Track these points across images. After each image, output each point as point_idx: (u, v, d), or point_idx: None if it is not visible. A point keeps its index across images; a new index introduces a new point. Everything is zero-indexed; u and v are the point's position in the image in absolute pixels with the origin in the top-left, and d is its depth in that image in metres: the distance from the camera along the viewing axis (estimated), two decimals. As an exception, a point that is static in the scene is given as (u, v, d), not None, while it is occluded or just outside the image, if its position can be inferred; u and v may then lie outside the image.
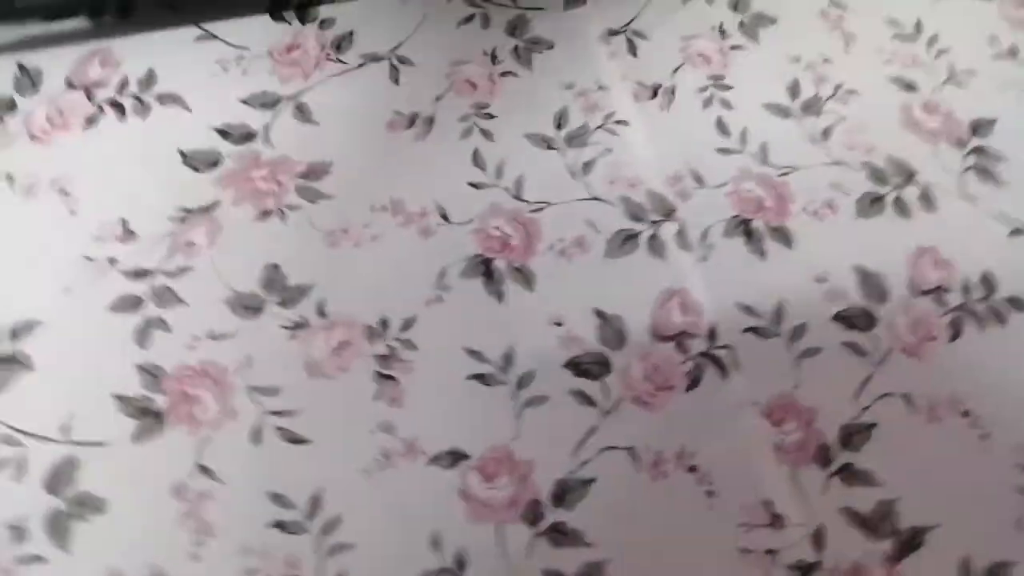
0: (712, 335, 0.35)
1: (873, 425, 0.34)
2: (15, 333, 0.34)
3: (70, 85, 0.39)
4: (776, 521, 0.32)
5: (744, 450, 0.33)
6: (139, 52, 0.40)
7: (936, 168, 0.38)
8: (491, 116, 0.39)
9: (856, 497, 0.32)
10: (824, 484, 0.33)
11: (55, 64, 0.39)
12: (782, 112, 0.40)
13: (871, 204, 0.38)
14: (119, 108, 0.38)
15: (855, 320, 0.35)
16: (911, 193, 0.38)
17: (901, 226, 0.37)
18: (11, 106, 0.38)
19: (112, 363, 0.33)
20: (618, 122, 0.39)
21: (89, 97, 0.39)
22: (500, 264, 0.36)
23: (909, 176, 0.38)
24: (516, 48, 0.41)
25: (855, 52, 0.41)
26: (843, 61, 0.41)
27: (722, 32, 0.42)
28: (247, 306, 0.34)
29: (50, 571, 0.30)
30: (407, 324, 0.34)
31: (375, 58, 0.40)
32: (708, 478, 0.33)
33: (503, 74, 0.40)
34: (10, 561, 0.30)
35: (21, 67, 0.39)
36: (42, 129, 0.38)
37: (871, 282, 0.36)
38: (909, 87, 0.40)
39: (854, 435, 0.33)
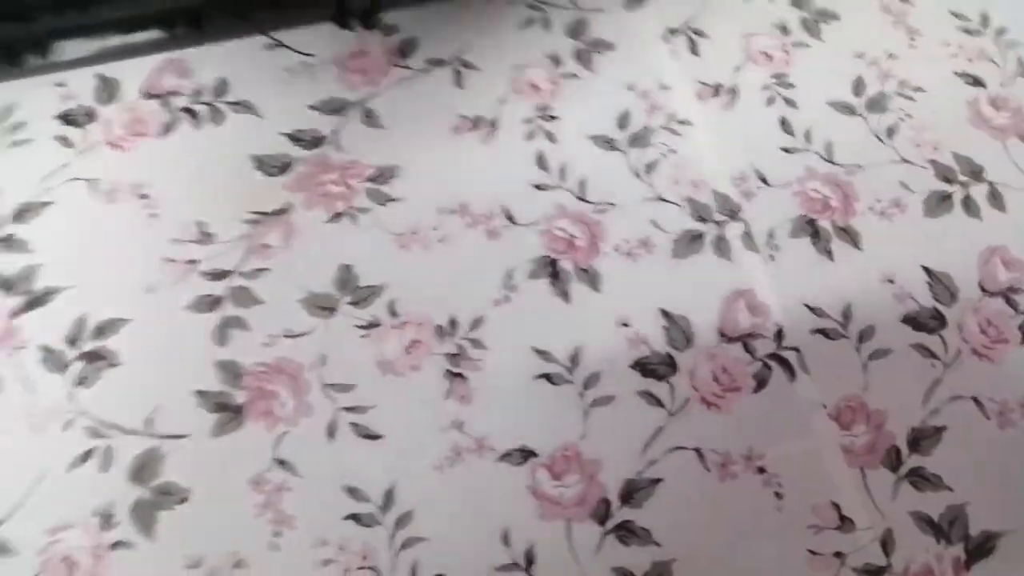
0: (779, 336, 0.35)
1: (943, 428, 0.34)
2: (102, 330, 0.35)
3: (146, 94, 0.40)
4: (845, 524, 0.32)
5: (813, 452, 0.33)
6: (211, 61, 0.41)
7: (1006, 165, 0.38)
8: (554, 118, 0.39)
9: (926, 501, 0.32)
10: (893, 487, 0.33)
11: (132, 74, 0.41)
12: (847, 109, 0.40)
13: (939, 203, 0.37)
14: (193, 115, 0.40)
15: (924, 322, 0.35)
16: (979, 191, 0.38)
17: (970, 225, 0.37)
18: (92, 115, 0.40)
19: (193, 360, 0.34)
20: (681, 122, 0.39)
21: (165, 106, 0.40)
22: (566, 265, 0.36)
23: (977, 174, 0.38)
24: (577, 50, 0.41)
25: (920, 47, 0.41)
26: (908, 56, 0.41)
27: (784, 29, 0.42)
28: (321, 306, 0.35)
29: (136, 556, 0.32)
30: (476, 323, 0.35)
31: (439, 63, 0.41)
32: (776, 479, 0.33)
33: (565, 76, 0.41)
34: (99, 547, 0.32)
35: (100, 78, 0.41)
36: (121, 137, 0.39)
37: (940, 283, 0.36)
38: (976, 82, 0.40)
39: (924, 438, 0.33)
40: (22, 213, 0.38)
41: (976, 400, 0.34)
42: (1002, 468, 0.33)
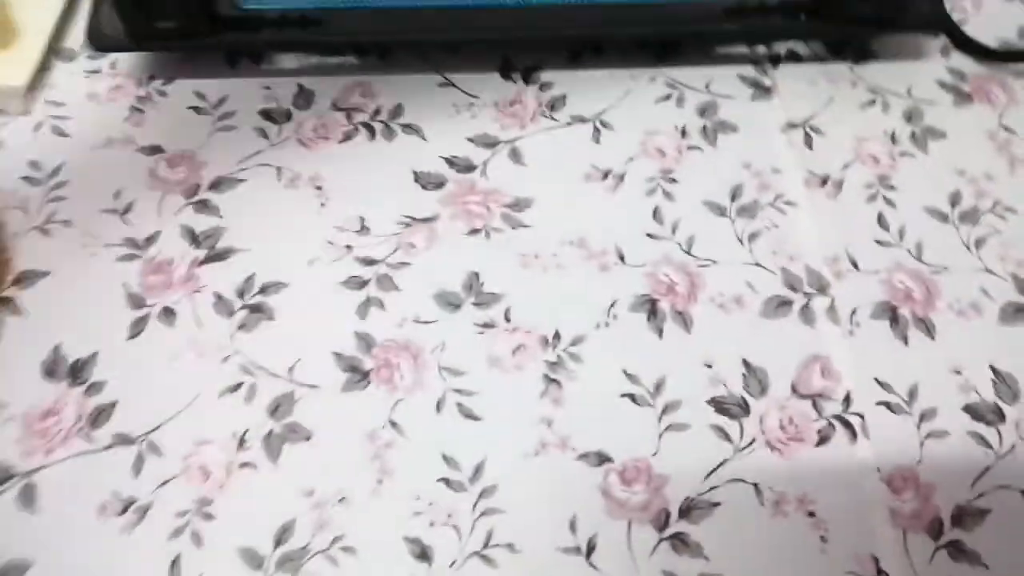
0: (847, 401, 0.39)
1: (987, 511, 0.37)
2: (265, 289, 0.42)
3: (335, 107, 0.48)
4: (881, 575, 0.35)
5: (861, 508, 0.37)
6: (392, 89, 0.49)
7: (1085, 290, 0.41)
8: (674, 181, 0.45)
9: (961, 571, 0.35)
10: (931, 554, 0.36)
11: (326, 88, 0.49)
12: (941, 217, 0.44)
13: (1015, 313, 0.41)
14: (370, 130, 0.47)
15: (984, 414, 0.39)
16: (1056, 309, 0.41)
17: (1046, 339, 0.40)
18: (288, 116, 0.48)
19: (336, 327, 0.41)
20: (787, 203, 0.44)
21: (348, 118, 0.48)
22: (664, 305, 0.41)
23: (1057, 293, 0.41)
24: (704, 127, 0.47)
25: (1019, 174, 0.45)
26: (1006, 181, 0.45)
27: (893, 139, 0.46)
28: (449, 302, 0.41)
29: (259, 477, 0.37)
30: (576, 340, 0.40)
31: (581, 119, 0.48)
32: (824, 525, 0.36)
33: (689, 147, 0.46)
34: (232, 463, 0.38)
35: (300, 87, 0.49)
36: (308, 137, 0.47)
37: (1005, 383, 0.39)
38: (1068, 213, 0.44)
39: (967, 516, 0.36)
40: (218, 184, 0.46)
41: (1023, 493, 0.37)
42: (1041, 558, 0.35)
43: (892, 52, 0.50)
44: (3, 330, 0.42)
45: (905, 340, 0.41)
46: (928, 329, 0.41)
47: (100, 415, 0.39)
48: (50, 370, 0.40)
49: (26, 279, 0.43)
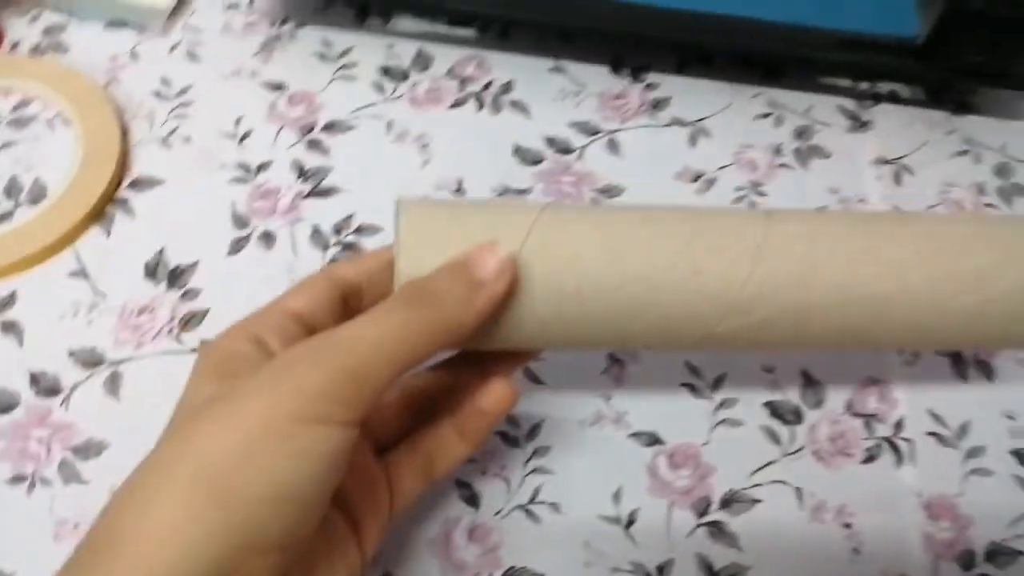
0: (899, 426, 0.40)
1: (1021, 553, 0.37)
2: (360, 230, 0.45)
3: (450, 74, 0.51)
4: (908, 595, 0.37)
5: (897, 528, 0.38)
6: (506, 66, 0.51)
7: None
8: (763, 194, 0.47)
9: (986, 605, 0.36)
10: (960, 583, 0.37)
11: (444, 56, 0.52)
12: (1017, 271, 0.45)
13: (1077, 372, 0.42)
14: (479, 101, 0.50)
15: (1032, 461, 0.40)
16: (1118, 375, 0.42)
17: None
18: (405, 76, 0.51)
19: (422, 275, 0.43)
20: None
21: (460, 87, 0.50)
22: (735, 308, 0.43)
23: (1120, 361, 0.42)
24: (798, 148, 0.49)
25: (1102, 243, 0.46)
26: (1086, 247, 0.46)
27: (980, 190, 0.48)
28: (531, 269, 0.44)
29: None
30: (647, 326, 0.42)
31: (681, 123, 0.50)
32: (858, 537, 0.38)
33: (781, 165, 0.48)
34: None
35: (420, 51, 0.52)
36: (421, 98, 0.50)
37: (1050, 430, 0.40)
38: None
39: (1001, 554, 0.38)
40: (331, 127, 0.49)
41: (1059, 542, 0.38)
42: (1066, 605, 0.36)
43: (993, 108, 0.51)
44: (113, 227, 0.45)
45: (964, 378, 0.42)
46: (988, 371, 0.42)
47: (191, 320, 0.42)
48: (152, 271, 0.43)
49: (142, 183, 0.46)
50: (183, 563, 0.19)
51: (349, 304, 0.29)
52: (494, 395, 0.29)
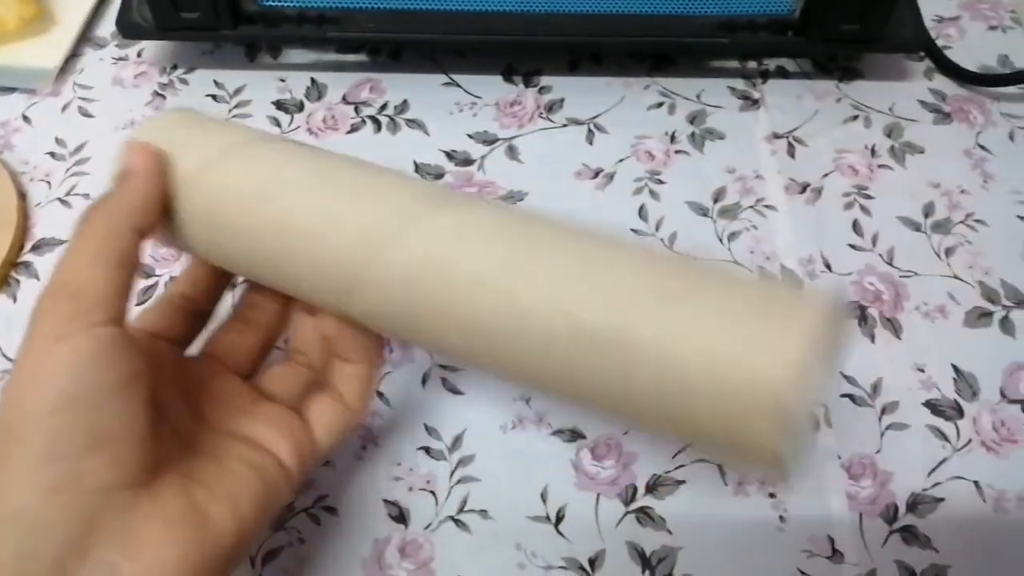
0: (812, 392, 0.41)
1: (941, 500, 0.38)
2: (268, 266, 0.45)
3: (344, 100, 0.51)
4: (835, 555, 0.37)
5: (820, 492, 0.39)
6: (400, 86, 0.52)
7: (1048, 299, 0.43)
8: (661, 182, 0.48)
9: (912, 555, 0.37)
10: (885, 537, 0.38)
11: (337, 83, 0.52)
12: (913, 226, 0.46)
13: (979, 317, 0.43)
14: (376, 123, 0.51)
15: (943, 409, 0.41)
16: (1019, 315, 0.43)
17: (1004, 341, 0.42)
18: (300, 107, 0.51)
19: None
20: (767, 206, 0.47)
21: (356, 112, 0.51)
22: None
23: (1019, 301, 0.43)
24: (692, 134, 0.50)
25: (991, 189, 0.47)
26: (978, 194, 0.47)
27: (873, 152, 0.49)
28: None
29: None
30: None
31: (577, 122, 0.51)
32: (784, 506, 0.39)
33: (677, 152, 0.49)
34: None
35: (313, 81, 0.52)
36: (318, 127, 0.50)
37: (965, 381, 0.41)
38: (1036, 226, 0.46)
39: (921, 504, 0.38)
40: (231, 167, 0.49)
41: (977, 484, 0.39)
42: (988, 545, 0.37)
43: (878, 72, 0.53)
44: (19, 292, 0.45)
45: (872, 338, 0.43)
46: (895, 329, 0.43)
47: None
48: (62, 331, 0.43)
49: (44, 246, 0.46)
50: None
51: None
52: (327, 319, 0.31)
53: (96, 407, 0.23)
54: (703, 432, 0.23)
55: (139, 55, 0.54)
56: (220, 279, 0.33)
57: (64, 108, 0.52)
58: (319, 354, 0.33)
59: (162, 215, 0.28)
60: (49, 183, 0.48)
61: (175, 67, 0.53)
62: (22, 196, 0.48)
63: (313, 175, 0.28)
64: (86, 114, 0.51)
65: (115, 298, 0.25)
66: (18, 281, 0.45)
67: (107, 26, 0.55)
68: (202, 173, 0.28)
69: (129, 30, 0.50)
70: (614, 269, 0.24)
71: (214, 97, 0.52)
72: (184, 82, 0.53)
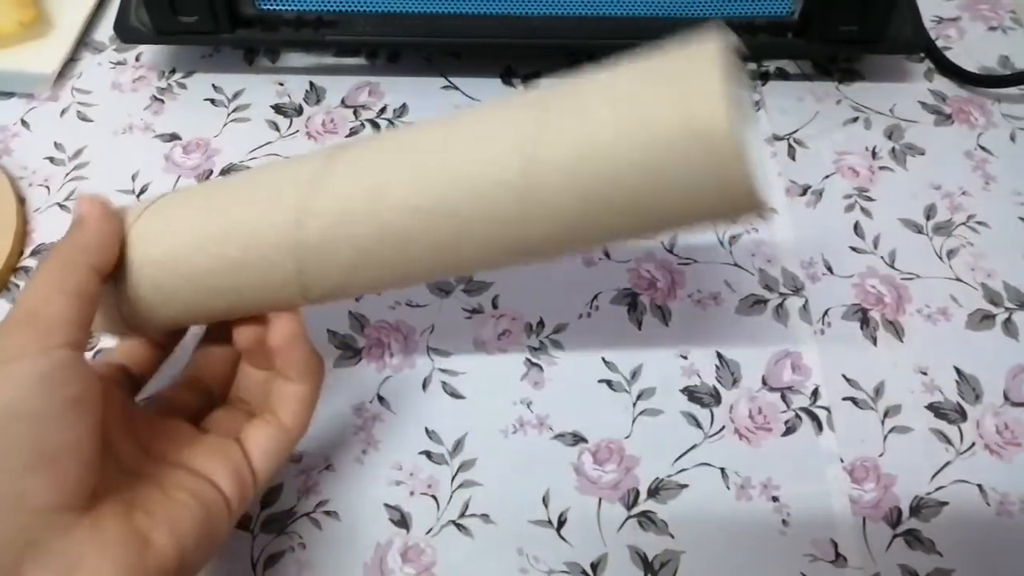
0: (815, 395, 0.41)
1: (945, 503, 0.38)
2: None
3: (343, 104, 0.51)
4: (839, 560, 0.37)
5: (823, 495, 0.39)
6: (399, 89, 0.52)
7: (1050, 301, 0.43)
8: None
9: (915, 559, 0.37)
10: (888, 541, 0.38)
11: (336, 86, 0.52)
12: (915, 228, 0.46)
13: (981, 320, 0.43)
14: (376, 126, 0.51)
15: (947, 412, 0.41)
16: (1021, 317, 0.43)
17: (1006, 343, 0.42)
18: (299, 111, 0.51)
19: (332, 307, 0.43)
20: (768, 209, 0.47)
21: (355, 115, 0.51)
22: (645, 300, 0.44)
23: (1022, 303, 0.43)
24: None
25: (992, 191, 0.47)
26: (980, 196, 0.47)
27: (874, 154, 0.49)
28: (441, 288, 0.44)
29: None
30: (558, 328, 0.43)
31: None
32: (786, 509, 0.38)
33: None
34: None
35: (311, 85, 0.52)
36: (317, 131, 0.50)
37: (968, 384, 0.41)
38: (1038, 228, 0.46)
39: (925, 508, 0.38)
40: (229, 170, 0.49)
41: (980, 488, 0.39)
42: (993, 549, 0.37)
43: (878, 74, 0.53)
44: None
45: (874, 341, 0.43)
46: (897, 331, 0.43)
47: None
48: (61, 337, 0.43)
49: (44, 250, 0.46)
50: None
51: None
52: (279, 329, 0.31)
53: (43, 424, 0.23)
54: (671, 196, 0.23)
55: (137, 59, 0.54)
56: (157, 355, 0.34)
57: (63, 113, 0.51)
58: (261, 400, 0.32)
59: (116, 260, 0.28)
60: (48, 188, 0.48)
61: (173, 71, 0.53)
62: (21, 201, 0.48)
63: (215, 190, 0.30)
64: (85, 118, 0.51)
65: (72, 325, 0.25)
66: (18, 286, 0.45)
67: (105, 30, 0.55)
68: (144, 222, 0.29)
69: (127, 34, 0.50)
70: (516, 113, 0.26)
71: (212, 101, 0.52)
72: (182, 86, 0.52)
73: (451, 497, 0.39)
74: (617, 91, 0.24)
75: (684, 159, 0.22)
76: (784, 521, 0.38)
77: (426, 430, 0.40)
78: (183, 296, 0.29)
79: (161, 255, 0.29)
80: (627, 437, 0.40)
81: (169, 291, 0.29)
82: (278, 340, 0.30)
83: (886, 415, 0.41)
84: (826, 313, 0.44)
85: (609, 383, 0.42)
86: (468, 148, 0.25)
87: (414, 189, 0.26)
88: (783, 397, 0.41)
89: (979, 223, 0.46)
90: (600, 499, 0.39)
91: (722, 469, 0.39)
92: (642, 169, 0.23)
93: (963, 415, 0.41)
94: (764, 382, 0.42)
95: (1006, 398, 0.41)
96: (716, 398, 0.41)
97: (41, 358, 0.23)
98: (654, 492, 0.39)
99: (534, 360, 0.42)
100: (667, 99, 0.23)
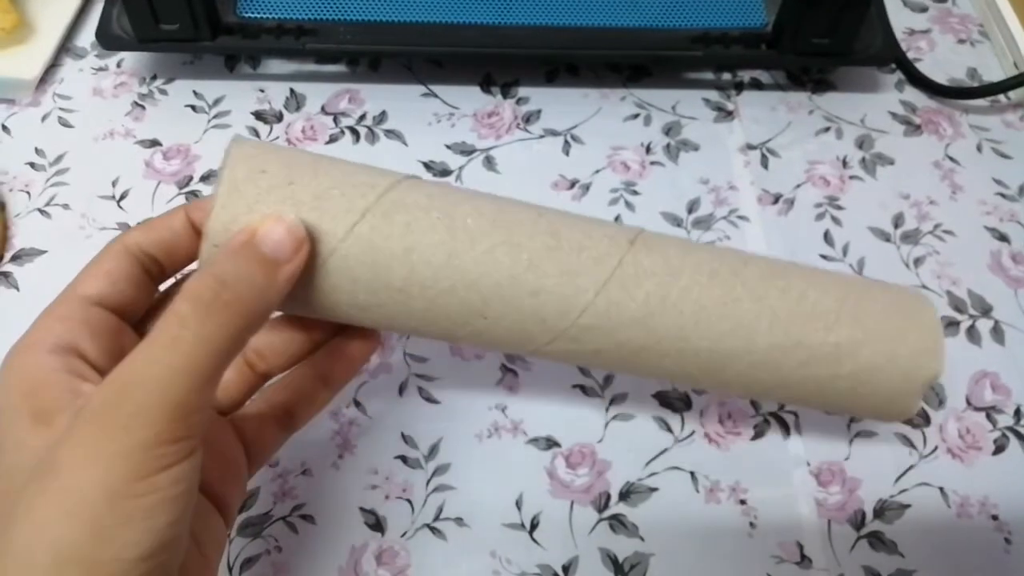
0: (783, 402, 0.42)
1: (907, 506, 0.40)
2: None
3: (323, 111, 0.52)
4: (804, 561, 0.38)
5: (789, 498, 0.40)
6: (378, 97, 0.53)
7: (1013, 308, 0.45)
8: (636, 192, 0.49)
9: (879, 560, 0.38)
10: (852, 543, 0.39)
11: (316, 93, 0.53)
12: (883, 236, 0.47)
13: (946, 327, 0.44)
14: (355, 133, 0.51)
15: (911, 418, 0.42)
16: (985, 325, 0.44)
17: (970, 350, 0.44)
18: (280, 117, 0.52)
19: (310, 312, 0.44)
20: (740, 217, 0.48)
21: (335, 122, 0.52)
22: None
23: (987, 311, 0.45)
24: (668, 145, 0.51)
25: (959, 200, 0.49)
26: (947, 206, 0.48)
27: (844, 163, 0.50)
28: (417, 293, 0.45)
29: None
30: (534, 334, 0.44)
31: (554, 133, 0.52)
32: (754, 512, 0.40)
33: (653, 163, 0.50)
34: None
35: (292, 92, 0.53)
36: (297, 138, 0.51)
37: (933, 389, 0.42)
38: (1002, 238, 0.47)
39: (888, 510, 0.40)
40: (208, 176, 0.50)
41: (942, 490, 0.40)
42: (953, 550, 0.38)
43: (850, 84, 0.54)
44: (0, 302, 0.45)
45: (842, 347, 0.44)
46: (864, 338, 0.44)
47: (85, 384, 0.43)
48: (41, 341, 0.44)
49: (24, 256, 0.47)
50: None
51: (152, 273, 0.27)
52: (358, 340, 0.30)
53: (177, 540, 0.22)
54: (862, 407, 0.33)
55: (119, 65, 0.55)
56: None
57: (44, 118, 0.52)
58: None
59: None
60: (29, 193, 0.49)
61: (155, 77, 0.54)
62: (2, 207, 0.48)
63: (486, 229, 0.26)
64: (66, 124, 0.52)
65: (208, 414, 0.22)
66: (-3, 291, 0.46)
67: (87, 37, 0.55)
68: (360, 249, 0.25)
69: (109, 41, 0.51)
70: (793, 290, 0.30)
71: (193, 108, 0.53)
72: (163, 92, 0.53)
73: (426, 501, 0.40)
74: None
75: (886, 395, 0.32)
76: (752, 524, 0.39)
77: (402, 435, 0.41)
78: (400, 321, 0.27)
79: (402, 282, 0.26)
80: (599, 441, 0.41)
81: (382, 311, 0.26)
82: (357, 350, 0.30)
83: (852, 420, 0.42)
84: (795, 320, 0.45)
85: (583, 388, 0.43)
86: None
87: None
88: (753, 403, 0.42)
89: (946, 232, 0.48)
90: (572, 502, 0.40)
91: (692, 473, 0.41)
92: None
93: (927, 420, 0.42)
94: (734, 387, 0.43)
95: (968, 403, 0.42)
96: (687, 403, 0.42)
97: (185, 469, 0.22)
98: (625, 496, 0.40)
99: (509, 366, 0.43)
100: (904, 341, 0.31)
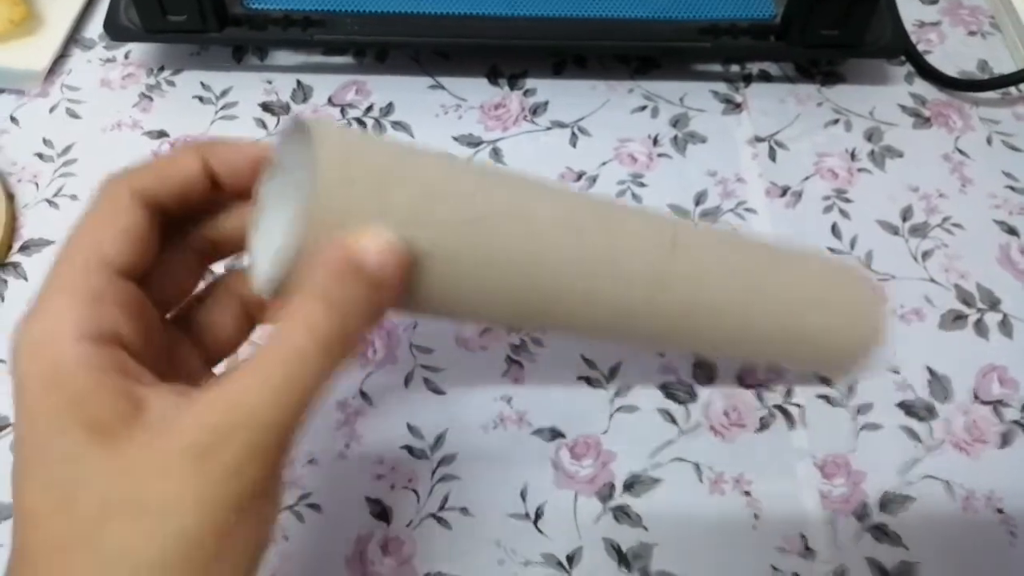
0: (789, 393, 0.42)
1: (912, 499, 0.40)
2: (254, 267, 0.46)
3: (331, 102, 0.53)
4: (808, 553, 0.39)
5: (793, 490, 0.40)
6: (386, 88, 0.53)
7: (1021, 303, 0.45)
8: (643, 184, 0.49)
9: (882, 552, 0.39)
10: (856, 535, 0.39)
11: (323, 85, 0.53)
12: (892, 229, 0.48)
13: (954, 320, 0.44)
14: (362, 125, 0.52)
15: (916, 410, 0.42)
16: (993, 318, 0.44)
17: (977, 343, 0.44)
18: (287, 109, 0.52)
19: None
20: (747, 209, 0.48)
21: (342, 113, 0.52)
22: (624, 297, 0.45)
23: (994, 304, 0.45)
24: (675, 137, 0.51)
25: (969, 193, 0.49)
26: (956, 199, 0.48)
27: (853, 156, 0.50)
28: (423, 284, 0.45)
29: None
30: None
31: (561, 125, 0.52)
32: (758, 504, 0.40)
33: (660, 155, 0.50)
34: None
35: (299, 83, 0.53)
36: (304, 129, 0.51)
37: (939, 382, 0.43)
38: (1012, 231, 0.47)
39: (893, 503, 0.40)
40: (217, 169, 0.50)
41: (947, 484, 0.40)
42: (958, 543, 0.39)
43: (859, 76, 0.54)
44: (7, 293, 0.46)
45: (848, 340, 0.44)
46: (871, 331, 0.44)
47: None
48: (50, 331, 0.44)
49: (32, 246, 0.47)
50: None
51: (161, 225, 0.24)
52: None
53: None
54: (808, 358, 0.37)
55: (126, 57, 0.55)
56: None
57: (52, 109, 0.53)
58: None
59: None
60: (37, 184, 0.50)
61: (162, 68, 0.54)
62: (10, 197, 0.49)
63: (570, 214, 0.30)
64: (74, 115, 0.52)
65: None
66: (5, 282, 0.46)
67: (95, 28, 0.56)
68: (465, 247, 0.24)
69: (116, 32, 0.51)
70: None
71: (200, 99, 0.53)
72: (171, 84, 0.54)
73: (431, 491, 0.40)
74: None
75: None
76: (755, 515, 0.40)
77: (408, 425, 0.42)
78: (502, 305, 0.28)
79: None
80: (604, 432, 0.42)
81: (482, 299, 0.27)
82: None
83: (858, 412, 0.42)
84: (802, 312, 0.45)
85: (588, 380, 0.43)
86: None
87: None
88: (757, 394, 0.43)
89: (954, 225, 0.48)
90: (576, 493, 0.40)
91: (696, 464, 0.41)
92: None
93: (933, 413, 0.42)
94: (739, 380, 0.43)
95: (975, 397, 0.42)
96: (692, 394, 0.43)
97: (270, 514, 0.21)
98: (629, 486, 0.40)
99: (514, 357, 0.44)
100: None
